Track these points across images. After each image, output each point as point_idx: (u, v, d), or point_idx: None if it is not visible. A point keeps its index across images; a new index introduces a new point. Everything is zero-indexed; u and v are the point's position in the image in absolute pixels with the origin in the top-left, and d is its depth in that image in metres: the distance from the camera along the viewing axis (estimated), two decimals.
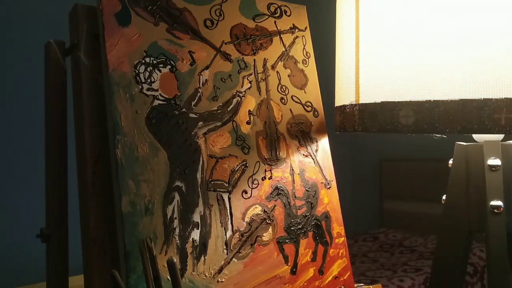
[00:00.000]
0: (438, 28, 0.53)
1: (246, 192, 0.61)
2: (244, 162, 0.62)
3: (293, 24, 0.72)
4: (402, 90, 0.54)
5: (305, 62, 0.72)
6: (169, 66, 0.58)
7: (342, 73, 0.63)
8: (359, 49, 0.59)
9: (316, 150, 0.70)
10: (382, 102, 0.56)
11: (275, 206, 0.64)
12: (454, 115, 0.51)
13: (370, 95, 0.57)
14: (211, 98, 0.61)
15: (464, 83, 0.51)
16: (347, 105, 0.61)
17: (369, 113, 0.58)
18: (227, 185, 0.60)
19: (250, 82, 0.65)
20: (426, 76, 0.53)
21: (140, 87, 0.55)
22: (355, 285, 0.70)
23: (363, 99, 0.58)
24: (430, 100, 0.52)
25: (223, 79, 0.63)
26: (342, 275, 0.68)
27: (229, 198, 0.60)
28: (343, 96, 0.63)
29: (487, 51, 0.50)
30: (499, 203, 0.62)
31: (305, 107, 0.71)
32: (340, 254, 0.68)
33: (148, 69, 0.56)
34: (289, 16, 0.72)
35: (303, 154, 0.69)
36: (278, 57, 0.69)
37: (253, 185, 0.62)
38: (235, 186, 0.61)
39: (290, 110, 0.69)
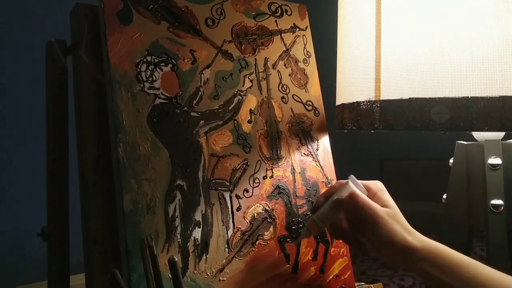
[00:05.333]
0: (474, 19, 0.50)
1: (247, 191, 0.61)
2: (245, 161, 0.62)
3: (294, 23, 0.72)
4: (434, 86, 0.52)
5: (306, 61, 0.72)
6: (170, 65, 0.58)
7: (355, 69, 0.61)
8: (380, 44, 0.57)
9: (317, 149, 0.70)
10: (410, 98, 0.54)
11: (276, 204, 0.64)
12: (494, 113, 0.49)
13: (394, 91, 0.55)
14: (212, 97, 0.61)
15: (505, 79, 0.49)
16: (363, 102, 0.59)
17: (393, 110, 0.56)
18: (228, 184, 0.60)
19: (251, 81, 0.65)
20: (462, 72, 0.51)
21: (142, 85, 0.56)
22: (356, 284, 0.70)
23: (385, 96, 0.57)
24: (468, 97, 0.50)
25: (224, 78, 0.63)
26: (343, 274, 0.68)
27: (230, 197, 0.60)
28: (356, 93, 0.61)
29: None
30: (499, 202, 0.62)
31: (306, 106, 0.71)
32: (341, 253, 0.68)
33: (150, 68, 0.57)
34: (290, 15, 0.72)
35: (304, 153, 0.69)
36: (279, 56, 0.69)
37: (254, 184, 0.62)
38: (236, 185, 0.61)
39: (291, 109, 0.69)
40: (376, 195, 0.56)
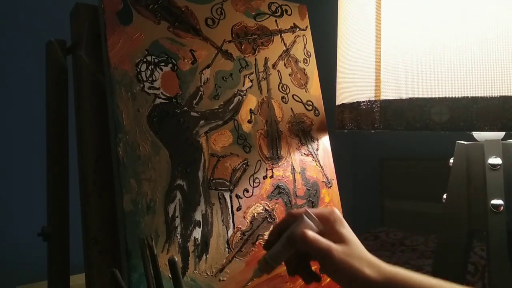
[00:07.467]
0: (474, 19, 0.51)
1: (247, 191, 0.61)
2: (246, 161, 0.62)
3: (294, 23, 0.72)
4: (434, 86, 0.52)
5: (306, 61, 0.72)
6: (170, 65, 0.58)
7: (355, 69, 0.61)
8: (380, 44, 0.57)
9: (317, 149, 0.70)
10: (410, 98, 0.54)
11: (276, 204, 0.64)
12: (494, 112, 0.50)
13: (395, 91, 0.55)
14: (212, 97, 0.61)
15: (505, 79, 0.49)
16: (363, 102, 0.59)
17: (393, 110, 0.56)
18: (228, 183, 0.60)
19: (251, 81, 0.65)
20: (462, 72, 0.51)
21: (142, 85, 0.56)
22: None
23: (385, 95, 0.56)
24: (468, 97, 0.51)
25: (224, 78, 0.63)
26: None
27: (230, 197, 0.60)
28: (357, 93, 0.61)
29: None
30: (499, 202, 0.62)
31: (306, 106, 0.71)
32: None
33: (150, 68, 0.57)
34: (290, 15, 0.72)
35: (304, 153, 0.69)
36: (279, 56, 0.69)
37: (254, 183, 0.62)
38: (236, 185, 0.61)
39: (291, 109, 0.69)
40: (333, 228, 0.52)
